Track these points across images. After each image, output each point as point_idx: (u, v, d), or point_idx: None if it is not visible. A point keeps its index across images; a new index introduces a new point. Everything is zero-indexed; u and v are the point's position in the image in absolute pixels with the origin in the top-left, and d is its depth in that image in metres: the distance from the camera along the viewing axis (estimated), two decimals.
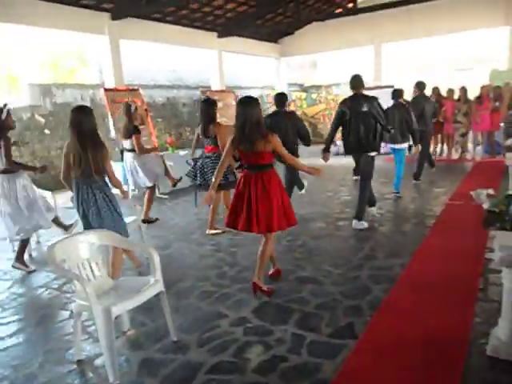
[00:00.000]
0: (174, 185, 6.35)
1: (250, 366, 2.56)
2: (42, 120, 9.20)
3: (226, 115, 10.84)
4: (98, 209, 3.50)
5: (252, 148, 3.28)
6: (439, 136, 10.54)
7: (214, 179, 3.48)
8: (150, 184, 5.93)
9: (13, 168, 4.33)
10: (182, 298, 3.54)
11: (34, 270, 4.41)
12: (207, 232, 5.27)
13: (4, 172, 4.33)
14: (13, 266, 4.43)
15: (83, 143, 3.43)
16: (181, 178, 6.24)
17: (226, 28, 11.94)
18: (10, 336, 3.12)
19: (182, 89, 12.63)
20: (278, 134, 3.42)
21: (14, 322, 3.36)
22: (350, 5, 11.90)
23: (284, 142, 3.54)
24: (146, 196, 5.98)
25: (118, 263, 3.70)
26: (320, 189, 7.56)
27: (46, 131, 9.22)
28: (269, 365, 2.57)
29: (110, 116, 8.68)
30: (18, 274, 4.41)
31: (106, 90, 8.89)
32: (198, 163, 5.30)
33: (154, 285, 2.79)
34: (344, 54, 15.34)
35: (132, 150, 5.80)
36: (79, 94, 9.90)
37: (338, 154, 12.01)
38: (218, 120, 5.32)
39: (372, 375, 2.42)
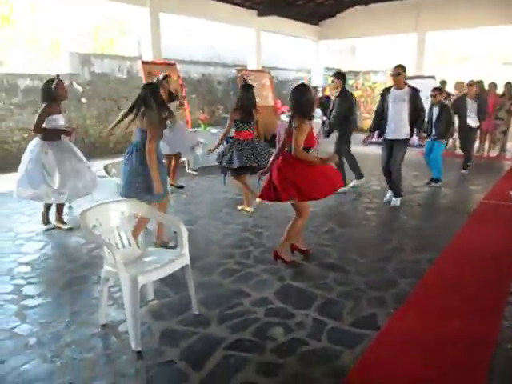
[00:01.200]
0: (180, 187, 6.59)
1: (268, 347, 2.57)
2: (80, 88, 9.33)
3: (261, 95, 10.74)
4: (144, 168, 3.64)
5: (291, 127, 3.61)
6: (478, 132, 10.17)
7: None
8: (175, 151, 6.23)
9: (40, 132, 4.49)
10: (205, 273, 3.57)
11: (71, 228, 4.66)
12: (239, 208, 5.42)
13: (45, 139, 4.53)
14: (48, 229, 4.64)
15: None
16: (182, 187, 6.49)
17: (266, 7, 11.72)
18: (39, 295, 3.23)
19: (219, 66, 12.57)
20: None
21: (43, 282, 3.47)
22: None
23: None
24: (173, 163, 6.32)
25: (139, 228, 3.75)
26: (350, 177, 7.42)
27: (83, 100, 9.36)
28: (288, 347, 2.57)
29: None
30: (49, 236, 4.55)
31: (143, 62, 8.92)
32: (233, 147, 5.18)
33: (181, 258, 2.82)
34: (384, 41, 14.89)
35: None
36: (117, 65, 9.99)
37: (370, 142, 11.79)
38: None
39: (392, 368, 2.39)
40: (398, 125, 5.37)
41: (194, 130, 8.94)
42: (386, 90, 5.53)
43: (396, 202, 5.57)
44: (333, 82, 6.32)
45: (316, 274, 3.57)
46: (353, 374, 2.34)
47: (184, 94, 9.55)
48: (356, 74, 15.72)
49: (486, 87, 9.81)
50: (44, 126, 4.46)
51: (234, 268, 3.69)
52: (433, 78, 11.91)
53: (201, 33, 12.27)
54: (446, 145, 8.16)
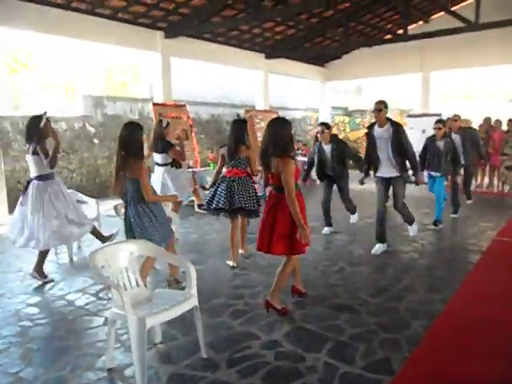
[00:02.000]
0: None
1: None
2: (92, 130, 9.60)
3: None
4: (140, 220, 3.57)
5: (268, 167, 3.36)
6: (487, 168, 10.15)
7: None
8: (180, 198, 5.91)
9: (52, 166, 4.24)
10: (213, 315, 3.51)
11: (52, 280, 4.36)
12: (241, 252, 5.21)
13: (38, 178, 4.30)
14: (30, 275, 4.35)
15: (125, 156, 3.57)
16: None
17: (274, 50, 12.12)
18: (45, 338, 3.19)
19: (228, 107, 12.87)
20: None
21: (49, 323, 3.44)
22: (400, 31, 11.81)
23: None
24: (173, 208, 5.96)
25: (146, 270, 3.69)
26: (360, 214, 7.39)
27: (95, 141, 9.60)
28: None
29: None
30: (57, 276, 4.54)
31: (154, 104, 9.18)
32: (220, 187, 4.82)
33: (189, 299, 2.79)
34: (391, 79, 15.21)
35: (164, 165, 5.87)
36: (129, 107, 10.29)
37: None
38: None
39: None
40: (387, 163, 5.12)
41: (203, 169, 9.06)
42: (371, 127, 5.20)
43: (414, 229, 5.45)
44: (323, 132, 6.03)
45: (326, 316, 3.49)
46: None
47: (193, 134, 9.75)
48: (363, 112, 15.99)
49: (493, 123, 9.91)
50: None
51: (244, 309, 3.63)
52: (439, 115, 12.05)
53: (211, 75, 12.67)
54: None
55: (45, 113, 4.24)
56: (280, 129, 3.33)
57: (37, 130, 4.16)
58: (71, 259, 5.03)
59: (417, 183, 5.58)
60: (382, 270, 4.65)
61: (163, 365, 2.79)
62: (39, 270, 4.34)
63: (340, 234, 6.20)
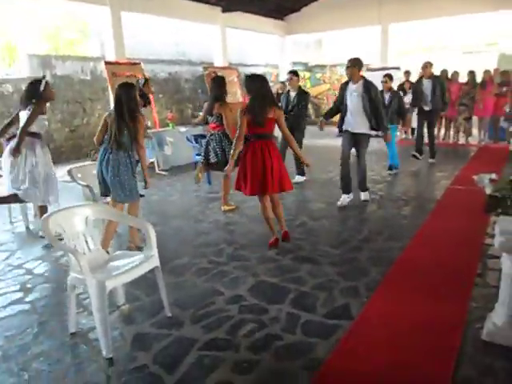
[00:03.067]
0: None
1: (243, 344, 2.55)
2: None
3: (230, 92, 10.65)
4: (119, 172, 3.76)
5: (262, 115, 3.74)
6: (443, 120, 10.41)
7: (233, 151, 3.87)
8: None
9: (21, 136, 4.19)
10: (177, 274, 3.52)
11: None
12: (222, 209, 5.22)
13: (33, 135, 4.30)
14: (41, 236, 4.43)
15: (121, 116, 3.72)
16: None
17: (231, 3, 11.65)
18: (5, 307, 3.11)
19: (185, 64, 12.42)
20: None
21: (9, 293, 3.34)
22: None
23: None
24: None
25: (110, 234, 3.78)
26: (320, 169, 7.49)
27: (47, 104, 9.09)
28: (262, 343, 2.56)
29: (110, 89, 8.54)
30: (14, 245, 4.40)
31: (106, 63, 8.73)
32: (203, 141, 5.29)
33: (149, 260, 2.77)
34: (350, 34, 15.04)
35: None
36: (80, 67, 9.74)
37: (340, 135, 11.92)
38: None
39: (366, 357, 2.41)
40: (356, 119, 5.18)
41: (162, 129, 8.82)
42: (345, 84, 5.33)
43: (366, 196, 5.55)
44: (291, 79, 6.39)
45: (289, 268, 3.57)
46: (328, 366, 2.35)
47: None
48: (323, 67, 15.85)
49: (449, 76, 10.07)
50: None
51: (207, 267, 3.66)
52: (397, 68, 12.14)
53: (165, 31, 12.09)
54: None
55: (44, 76, 4.36)
56: (266, 82, 3.87)
57: (37, 93, 4.18)
58: (27, 227, 4.86)
59: (385, 140, 5.85)
60: (342, 222, 4.77)
61: (127, 326, 2.80)
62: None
63: (302, 189, 6.26)
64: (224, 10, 11.82)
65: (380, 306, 2.95)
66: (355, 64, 5.15)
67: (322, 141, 11.03)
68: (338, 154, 8.05)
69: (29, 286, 3.45)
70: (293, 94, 6.43)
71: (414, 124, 10.70)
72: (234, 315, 2.85)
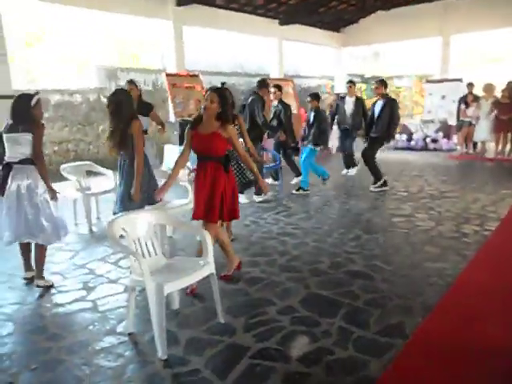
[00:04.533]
0: None
1: (294, 356, 2.55)
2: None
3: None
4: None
5: (207, 130, 3.31)
6: (508, 134, 9.87)
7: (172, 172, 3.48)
8: None
9: (39, 162, 3.55)
10: (231, 282, 3.58)
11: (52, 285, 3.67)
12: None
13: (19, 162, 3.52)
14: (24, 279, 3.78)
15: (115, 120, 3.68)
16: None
17: (288, 16, 11.79)
18: (70, 303, 3.31)
19: (242, 76, 12.69)
20: None
21: (72, 290, 3.55)
22: None
23: None
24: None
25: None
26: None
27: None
28: (314, 356, 2.54)
29: (170, 100, 8.89)
30: (78, 246, 4.66)
31: (167, 74, 9.10)
32: None
33: (206, 266, 2.86)
34: (409, 45, 14.71)
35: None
36: (142, 78, 10.23)
37: (396, 148, 11.64)
38: None
39: (421, 379, 2.33)
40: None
41: None
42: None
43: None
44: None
45: (342, 282, 3.53)
46: None
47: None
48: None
49: None
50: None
51: (260, 276, 3.69)
52: (460, 80, 11.70)
53: (224, 43, 12.44)
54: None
55: (37, 92, 3.63)
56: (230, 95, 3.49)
57: (27, 109, 3.48)
58: (91, 229, 5.15)
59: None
60: (398, 238, 4.64)
61: (182, 329, 2.88)
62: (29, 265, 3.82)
63: (356, 201, 6.17)
64: (281, 23, 11.98)
65: (436, 326, 2.84)
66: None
67: (377, 154, 10.83)
68: (393, 167, 7.89)
69: (91, 285, 3.65)
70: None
71: (476, 137, 10.27)
72: (285, 326, 2.86)
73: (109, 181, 5.49)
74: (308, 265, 3.90)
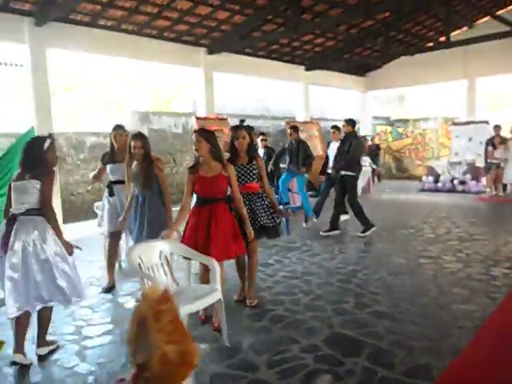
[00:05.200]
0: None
1: None
2: None
3: (310, 146, 10.98)
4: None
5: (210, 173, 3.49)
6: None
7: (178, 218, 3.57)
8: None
9: (48, 212, 3.07)
10: (254, 319, 3.61)
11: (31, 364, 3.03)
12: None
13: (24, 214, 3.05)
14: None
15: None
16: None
17: (314, 62, 12.23)
18: (99, 336, 3.41)
19: (268, 119, 13.07)
20: None
21: (102, 324, 3.66)
22: (443, 38, 11.60)
23: None
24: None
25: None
26: (402, 224, 7.30)
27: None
28: None
29: None
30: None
31: (197, 118, 9.51)
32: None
33: (214, 293, 3.09)
34: (434, 88, 14.89)
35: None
36: (173, 122, 10.71)
37: (423, 189, 11.58)
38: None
39: None
40: None
41: None
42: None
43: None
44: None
45: (366, 322, 3.50)
46: None
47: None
48: (405, 121, 15.73)
49: None
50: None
51: (283, 315, 3.70)
52: (486, 122, 11.70)
53: (251, 88, 12.94)
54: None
55: (50, 135, 3.25)
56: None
57: (39, 153, 3.11)
58: (120, 265, 5.29)
59: None
60: (424, 279, 4.58)
61: (206, 364, 2.91)
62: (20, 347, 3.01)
63: (381, 242, 6.14)
64: (307, 69, 12.42)
65: (464, 370, 2.78)
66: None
67: (403, 195, 10.80)
68: (419, 209, 7.86)
69: (119, 318, 3.74)
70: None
71: (505, 179, 10.15)
72: (309, 364, 2.86)
73: None
74: (332, 304, 3.89)
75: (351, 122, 6.71)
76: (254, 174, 3.91)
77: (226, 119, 9.99)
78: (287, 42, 10.76)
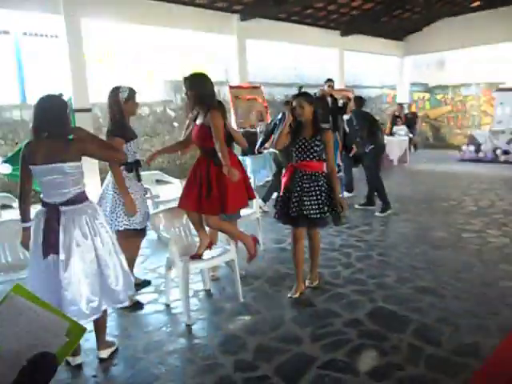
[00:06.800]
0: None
1: (363, 369, 2.54)
2: (172, 113, 10.07)
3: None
4: None
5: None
6: None
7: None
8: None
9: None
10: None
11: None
12: None
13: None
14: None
15: None
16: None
17: (350, 26, 11.73)
18: (144, 305, 3.51)
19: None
20: None
21: (146, 293, 3.75)
22: None
23: None
24: None
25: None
26: (441, 196, 7.09)
27: (175, 124, 10.06)
28: (383, 370, 2.52)
29: (232, 111, 9.14)
30: (148, 251, 4.88)
31: (230, 87, 9.38)
32: None
33: (228, 253, 3.42)
34: (477, 52, 14.06)
35: None
36: None
37: (462, 159, 11.16)
38: None
39: None
40: None
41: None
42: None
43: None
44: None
45: (409, 298, 3.45)
46: None
47: (268, 117, 9.82)
48: (445, 88, 15.05)
49: None
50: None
51: (324, 288, 3.69)
52: None
53: (284, 55, 12.59)
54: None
55: (61, 94, 2.60)
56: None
57: (63, 117, 2.51)
58: (158, 236, 5.39)
59: None
60: (470, 254, 4.45)
61: (250, 336, 2.95)
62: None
63: (420, 216, 5.99)
64: (343, 34, 11.95)
65: None
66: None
67: (441, 166, 10.45)
68: (459, 180, 7.59)
69: (162, 288, 3.82)
70: None
71: None
72: (352, 339, 2.85)
73: (176, 188, 5.73)
74: (373, 278, 3.85)
75: (356, 100, 6.55)
76: (316, 151, 3.35)
77: (259, 87, 9.82)
78: (322, 6, 10.32)
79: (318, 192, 3.32)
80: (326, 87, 7.17)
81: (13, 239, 3.29)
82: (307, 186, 3.34)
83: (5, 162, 5.66)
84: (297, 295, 3.49)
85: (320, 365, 2.59)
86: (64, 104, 2.56)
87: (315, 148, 3.35)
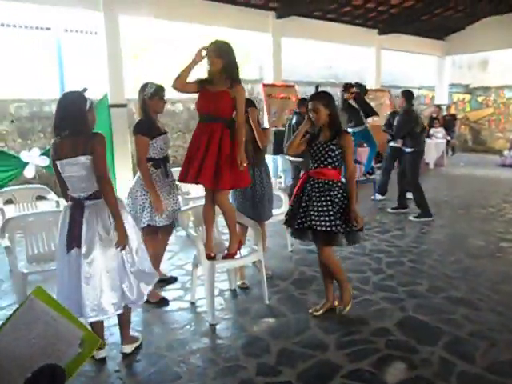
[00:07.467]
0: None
1: (390, 381, 2.44)
2: None
3: (381, 115, 10.45)
4: None
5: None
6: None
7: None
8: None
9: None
10: (322, 296, 3.52)
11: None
12: None
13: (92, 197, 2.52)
14: None
15: None
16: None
17: (388, 25, 11.43)
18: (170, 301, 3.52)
19: (336, 86, 12.55)
20: None
21: (171, 290, 3.75)
22: None
23: None
24: None
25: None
26: (480, 203, 6.80)
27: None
28: None
29: (265, 109, 9.09)
30: (177, 247, 4.90)
31: (264, 85, 9.32)
32: None
33: (254, 253, 3.38)
34: None
35: None
36: None
37: (504, 165, 10.68)
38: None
39: None
40: None
41: None
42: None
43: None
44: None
45: (442, 308, 3.30)
46: None
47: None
48: (487, 89, 14.45)
49: None
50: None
51: (352, 294, 3.58)
52: None
53: (319, 53, 12.42)
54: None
55: (85, 89, 2.55)
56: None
57: (82, 114, 2.48)
58: (187, 233, 5.40)
59: None
60: (508, 264, 4.23)
61: (273, 339, 2.90)
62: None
63: (457, 223, 5.75)
64: (380, 32, 11.66)
65: None
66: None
67: (480, 170, 10.05)
68: (500, 186, 7.29)
69: (188, 286, 3.82)
70: None
71: None
72: (380, 349, 2.75)
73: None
74: (404, 286, 3.72)
75: (404, 94, 6.15)
76: (330, 157, 3.00)
77: (293, 86, 9.72)
78: (360, 4, 10.09)
79: (328, 202, 2.96)
80: (346, 95, 7.01)
81: (47, 230, 3.38)
82: (317, 195, 3.00)
83: (43, 154, 5.84)
84: (318, 313, 3.20)
85: (344, 374, 2.50)
86: (82, 101, 2.48)
87: (330, 153, 3.00)
